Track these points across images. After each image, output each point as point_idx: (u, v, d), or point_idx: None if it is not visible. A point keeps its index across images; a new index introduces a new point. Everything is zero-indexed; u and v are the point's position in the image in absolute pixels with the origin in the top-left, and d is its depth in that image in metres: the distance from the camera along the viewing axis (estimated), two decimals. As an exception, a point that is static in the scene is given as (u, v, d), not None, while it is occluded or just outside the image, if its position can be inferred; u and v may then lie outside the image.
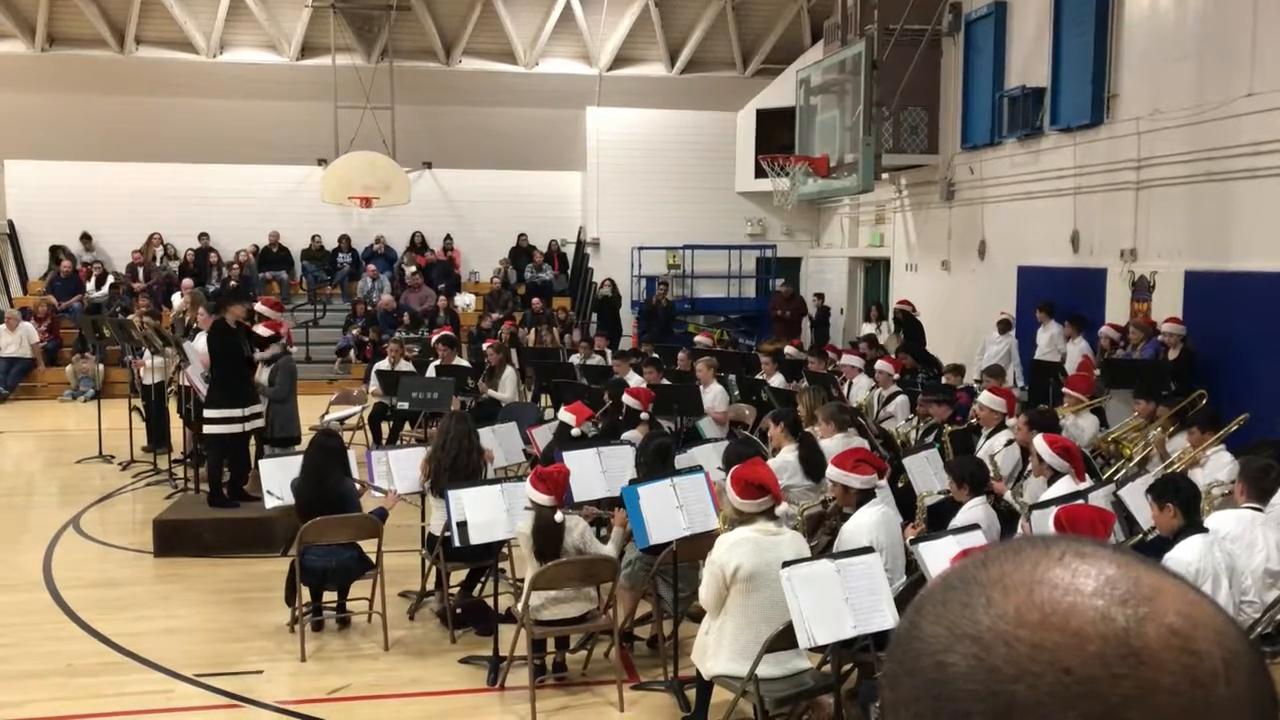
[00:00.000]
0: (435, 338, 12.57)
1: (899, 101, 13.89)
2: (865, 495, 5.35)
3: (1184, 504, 4.72)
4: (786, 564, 4.43)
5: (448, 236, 19.76)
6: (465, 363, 12.06)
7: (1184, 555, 4.62)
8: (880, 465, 5.58)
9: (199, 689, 5.67)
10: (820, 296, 18.94)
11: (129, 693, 5.61)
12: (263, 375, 8.80)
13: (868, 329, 15.66)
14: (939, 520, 6.03)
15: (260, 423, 8.59)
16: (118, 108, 18.26)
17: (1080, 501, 4.92)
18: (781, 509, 4.83)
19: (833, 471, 5.42)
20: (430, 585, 6.88)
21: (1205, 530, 4.77)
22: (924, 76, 14.39)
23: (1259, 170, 9.30)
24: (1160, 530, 4.90)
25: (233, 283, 17.67)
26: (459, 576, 6.80)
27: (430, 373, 11.12)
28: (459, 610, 6.54)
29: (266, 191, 19.05)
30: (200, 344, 9.70)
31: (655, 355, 11.86)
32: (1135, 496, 5.80)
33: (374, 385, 11.67)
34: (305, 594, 6.41)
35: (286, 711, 5.42)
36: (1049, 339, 12.06)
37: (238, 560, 7.84)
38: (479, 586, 6.83)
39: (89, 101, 18.15)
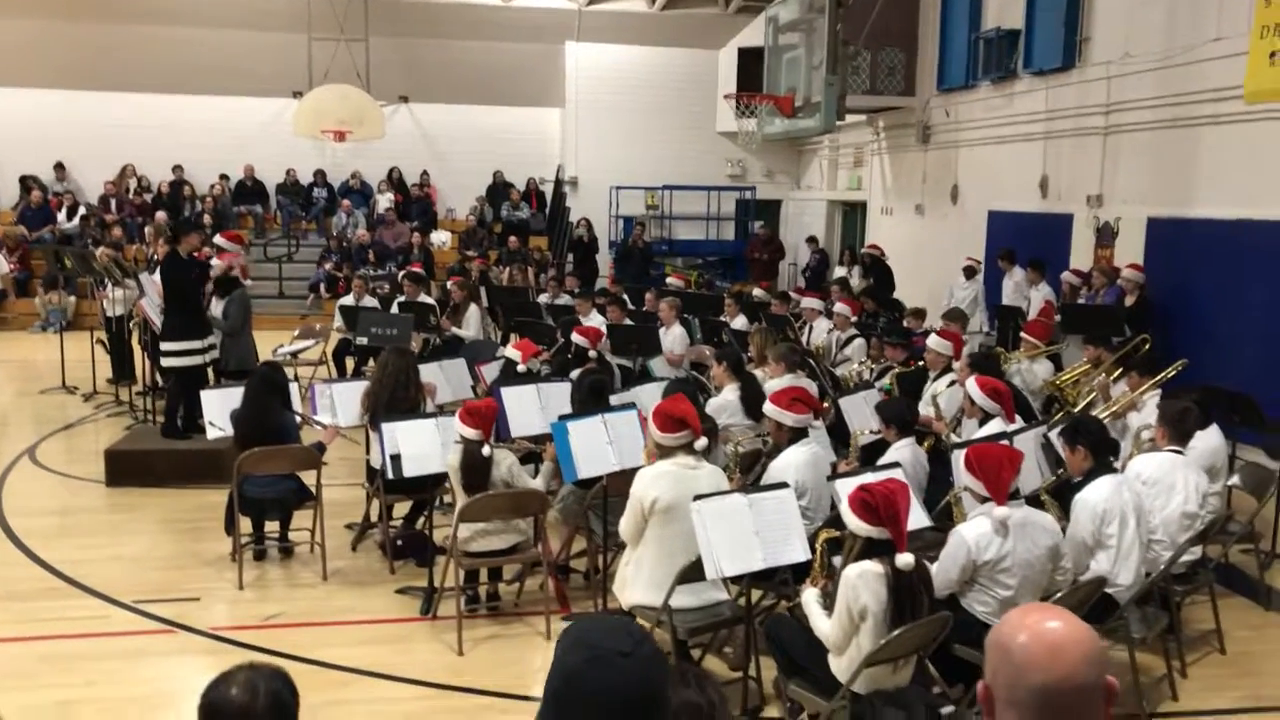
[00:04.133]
0: (402, 274, 12.54)
1: (877, 42, 13.73)
2: (798, 434, 5.40)
3: (1093, 446, 4.78)
4: (698, 497, 4.48)
5: (424, 172, 19.61)
6: (431, 300, 12.03)
7: (1092, 496, 4.69)
8: (817, 406, 5.62)
9: (135, 614, 5.76)
10: (813, 241, 18.49)
11: (66, 617, 5.69)
12: (216, 309, 8.79)
13: (840, 272, 15.65)
14: (871, 460, 6.10)
15: (216, 354, 8.61)
16: (91, 35, 17.96)
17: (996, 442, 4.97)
18: (701, 443, 4.87)
19: (769, 408, 5.47)
20: (375, 517, 6.95)
21: (1114, 471, 4.83)
22: (902, 17, 14.22)
23: (1222, 116, 9.25)
24: (1071, 471, 4.96)
25: (206, 216, 17.58)
26: (403, 509, 6.89)
27: (395, 309, 11.11)
28: (399, 542, 6.62)
29: (241, 124, 18.86)
30: (158, 276, 9.68)
31: (621, 295, 11.85)
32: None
33: (338, 320, 11.67)
34: (246, 524, 6.49)
35: (218, 637, 5.51)
36: (1014, 286, 12.08)
37: (189, 491, 7.89)
38: (422, 519, 6.90)
39: (61, 28, 17.84)
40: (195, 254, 8.42)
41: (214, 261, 8.80)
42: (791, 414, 5.45)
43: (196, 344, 8.41)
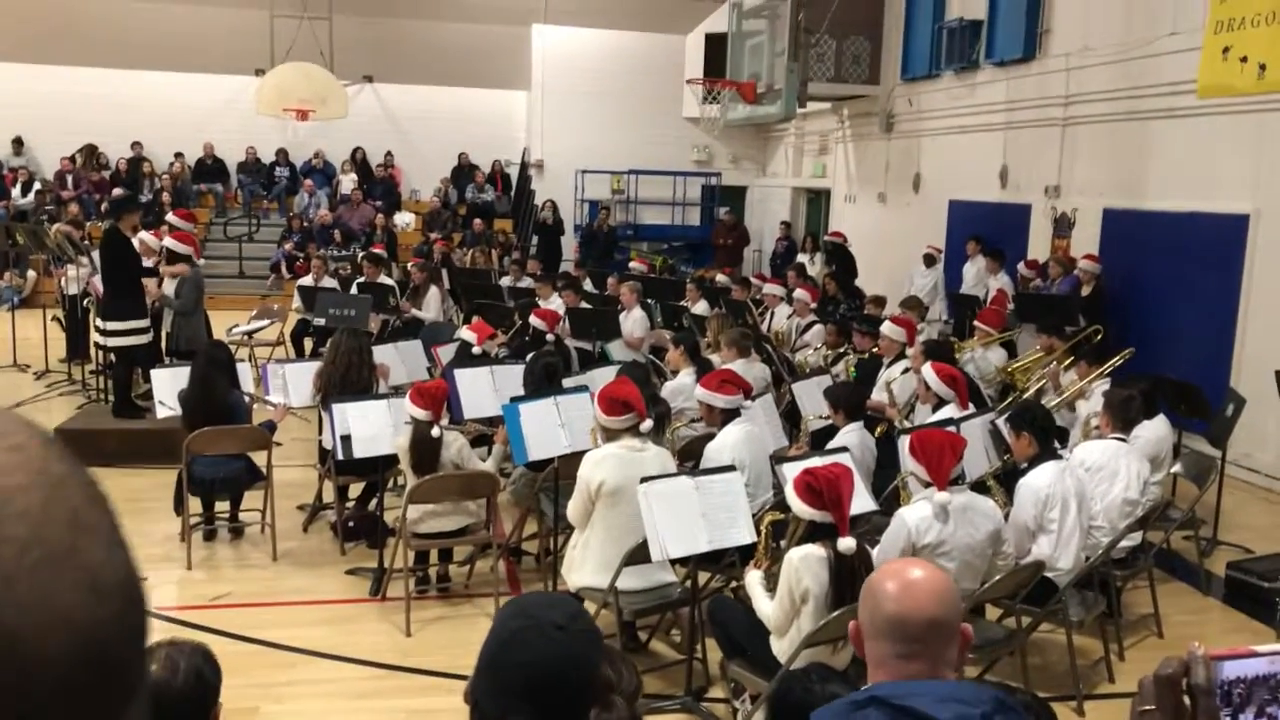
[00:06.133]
0: (361, 255, 12.47)
1: (842, 30, 13.77)
2: (730, 415, 5.45)
3: (1039, 432, 4.84)
4: (645, 480, 4.50)
5: (388, 153, 19.45)
6: (391, 281, 11.96)
7: (1035, 481, 4.76)
8: (746, 386, 5.67)
9: (80, 594, 5.69)
10: (785, 226, 18.41)
11: (9, 596, 5.60)
12: (169, 288, 8.69)
13: (802, 259, 15.70)
14: (822, 444, 6.14)
15: (151, 335, 8.53)
16: (49, 7, 17.63)
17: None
18: (646, 425, 4.89)
19: (699, 392, 5.52)
20: (327, 498, 6.91)
21: (1059, 457, 4.90)
22: (867, 6, 14.27)
23: (1176, 110, 9.36)
24: (1016, 457, 5.03)
25: (165, 194, 17.36)
26: (358, 490, 6.85)
27: (355, 290, 11.03)
28: (350, 523, 6.59)
29: (202, 101, 18.61)
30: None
31: (578, 279, 11.87)
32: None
33: (297, 301, 11.58)
34: (196, 504, 6.44)
35: (166, 618, 5.46)
36: (976, 272, 12.18)
37: (140, 470, 7.80)
38: (375, 500, 6.87)
39: (20, 1, 17.50)
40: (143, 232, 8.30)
41: (168, 240, 8.69)
42: (722, 396, 5.53)
43: (138, 323, 8.31)
